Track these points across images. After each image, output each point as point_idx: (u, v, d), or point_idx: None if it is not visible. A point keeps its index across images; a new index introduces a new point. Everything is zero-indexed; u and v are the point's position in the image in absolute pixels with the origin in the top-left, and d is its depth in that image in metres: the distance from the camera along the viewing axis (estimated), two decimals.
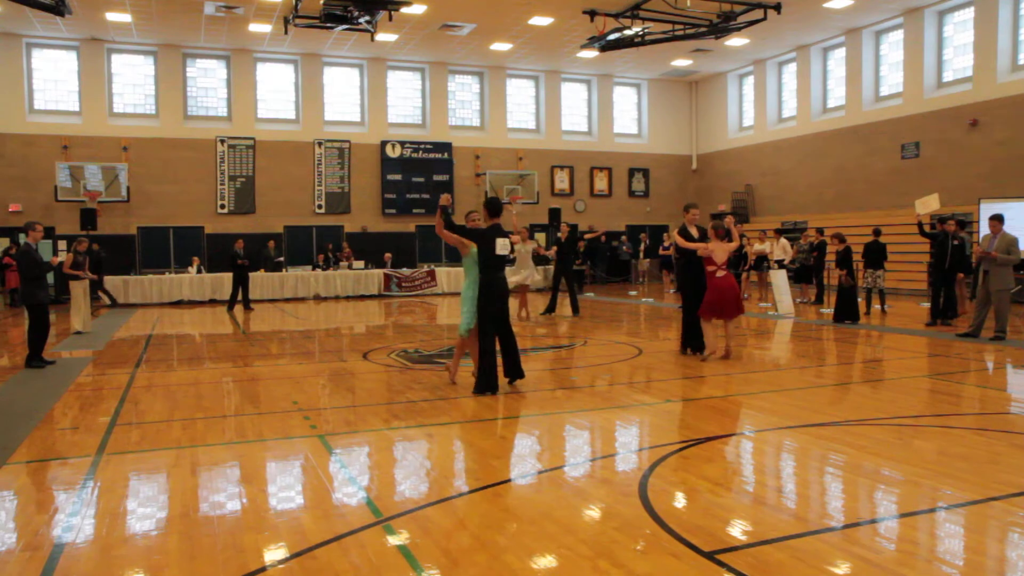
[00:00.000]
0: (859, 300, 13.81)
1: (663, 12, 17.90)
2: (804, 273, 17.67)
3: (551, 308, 15.61)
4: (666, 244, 20.71)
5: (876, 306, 15.22)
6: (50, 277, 16.52)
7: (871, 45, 22.20)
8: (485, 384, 7.42)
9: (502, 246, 7.37)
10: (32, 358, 9.57)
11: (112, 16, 19.79)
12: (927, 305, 14.00)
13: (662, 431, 6.28)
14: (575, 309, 15.40)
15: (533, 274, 15.03)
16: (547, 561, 3.61)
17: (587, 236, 14.43)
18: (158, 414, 6.93)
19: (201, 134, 23.21)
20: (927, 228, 13.51)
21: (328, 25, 17.33)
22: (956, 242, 13.03)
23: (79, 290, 13.39)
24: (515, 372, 7.71)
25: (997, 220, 10.88)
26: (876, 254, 14.44)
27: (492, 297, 7.45)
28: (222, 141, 23.34)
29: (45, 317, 9.68)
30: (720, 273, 9.18)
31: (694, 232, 9.42)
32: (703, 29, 18.64)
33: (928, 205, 13.42)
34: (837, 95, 23.67)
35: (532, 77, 27.19)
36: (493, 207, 7.65)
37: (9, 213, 21.32)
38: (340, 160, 24.53)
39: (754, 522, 4.08)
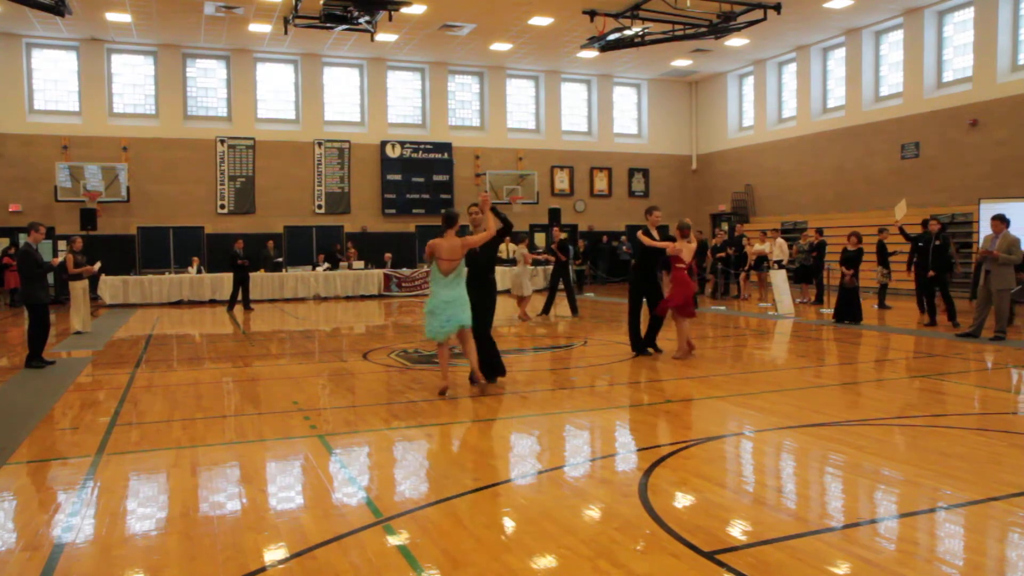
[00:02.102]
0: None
1: (663, 12, 17.90)
2: (804, 273, 17.66)
3: (547, 309, 15.60)
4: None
5: (875, 305, 15.34)
6: (50, 277, 16.51)
7: (871, 45, 22.21)
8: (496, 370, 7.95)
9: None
10: (32, 358, 9.57)
11: (112, 16, 19.79)
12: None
13: (662, 431, 6.28)
14: (574, 309, 15.40)
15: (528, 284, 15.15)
16: (547, 561, 3.61)
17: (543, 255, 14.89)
18: (158, 414, 6.93)
19: (201, 134, 23.21)
20: (907, 231, 14.15)
21: (328, 25, 17.33)
22: (938, 242, 13.12)
23: (79, 290, 13.38)
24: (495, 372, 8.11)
25: (999, 220, 10.85)
26: (880, 253, 15.13)
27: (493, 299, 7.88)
28: (222, 141, 23.34)
29: (45, 317, 9.68)
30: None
31: (655, 234, 9.80)
32: (703, 29, 18.64)
33: (902, 210, 14.44)
34: (837, 95, 23.67)
35: (532, 77, 27.19)
36: (505, 219, 7.77)
37: (9, 213, 21.32)
38: (340, 160, 24.53)
39: (754, 522, 4.08)
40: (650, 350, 9.97)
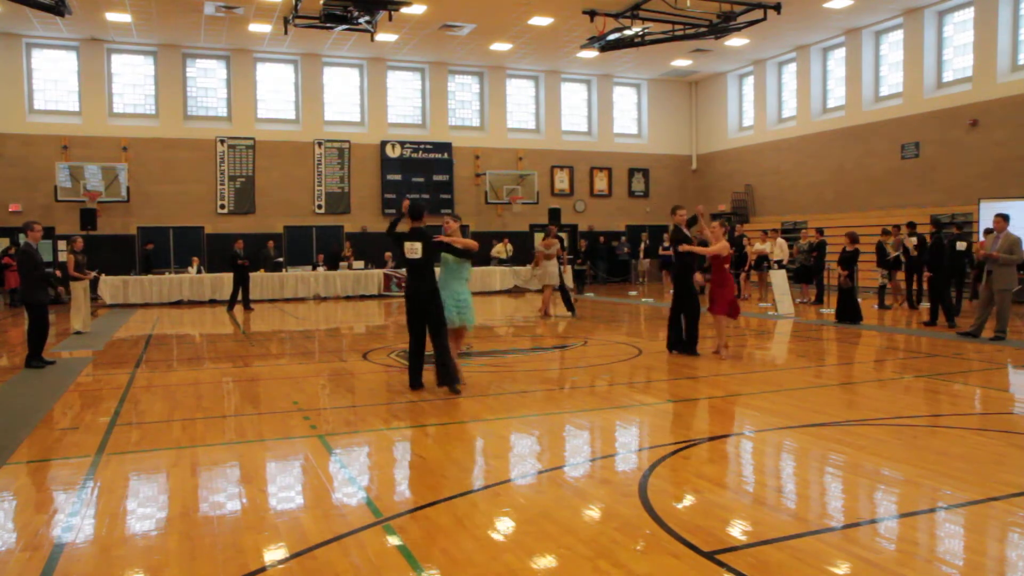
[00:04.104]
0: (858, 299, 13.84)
1: (663, 12, 17.90)
2: (804, 273, 17.66)
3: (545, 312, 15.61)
4: (666, 244, 20.71)
5: (875, 306, 15.37)
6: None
7: (871, 45, 22.20)
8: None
9: (409, 249, 7.49)
10: (32, 358, 9.57)
11: (112, 16, 19.78)
12: (926, 305, 14.05)
13: (662, 431, 6.28)
14: (569, 309, 15.38)
15: (536, 278, 15.33)
16: (547, 561, 3.61)
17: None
18: (158, 414, 6.93)
19: (201, 134, 23.21)
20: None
21: (328, 25, 17.34)
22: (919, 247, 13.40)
23: (79, 290, 13.38)
24: (447, 379, 7.58)
25: (1002, 219, 10.83)
26: (880, 255, 15.35)
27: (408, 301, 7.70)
28: (222, 141, 23.34)
29: (45, 317, 9.68)
30: None
31: (686, 232, 9.87)
32: (703, 29, 18.64)
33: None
34: (837, 95, 23.67)
35: (532, 77, 27.18)
36: (411, 210, 7.80)
37: (9, 213, 21.32)
38: (340, 160, 24.53)
39: (754, 522, 4.08)
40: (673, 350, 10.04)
